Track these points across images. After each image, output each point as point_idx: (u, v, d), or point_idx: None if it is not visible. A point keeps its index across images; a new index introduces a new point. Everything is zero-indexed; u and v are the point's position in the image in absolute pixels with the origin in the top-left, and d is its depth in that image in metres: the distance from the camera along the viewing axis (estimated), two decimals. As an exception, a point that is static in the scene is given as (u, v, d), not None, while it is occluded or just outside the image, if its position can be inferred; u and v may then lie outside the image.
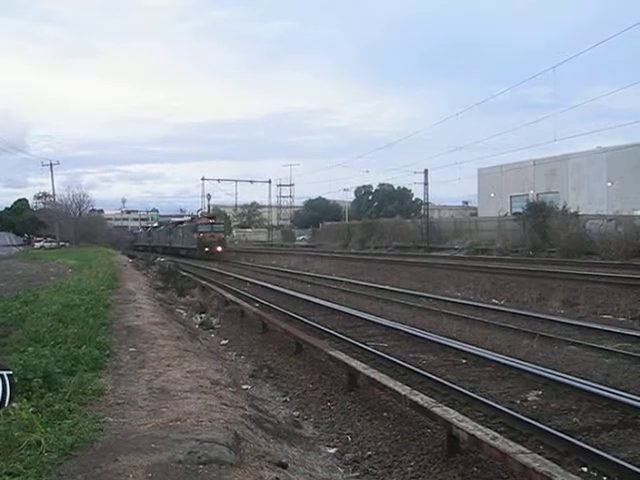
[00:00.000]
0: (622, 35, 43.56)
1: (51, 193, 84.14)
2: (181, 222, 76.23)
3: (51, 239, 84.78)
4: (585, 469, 6.34)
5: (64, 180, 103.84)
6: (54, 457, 4.73)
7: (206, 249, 57.07)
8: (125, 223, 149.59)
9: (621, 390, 8.84)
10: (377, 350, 12.33)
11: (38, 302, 13.55)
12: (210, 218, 65.06)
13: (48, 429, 5.20)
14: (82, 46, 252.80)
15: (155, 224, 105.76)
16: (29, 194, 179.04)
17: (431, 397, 7.95)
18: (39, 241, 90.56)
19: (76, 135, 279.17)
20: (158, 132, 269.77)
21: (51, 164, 76.01)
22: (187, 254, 60.83)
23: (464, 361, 11.45)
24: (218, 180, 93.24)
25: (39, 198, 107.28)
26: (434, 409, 7.05)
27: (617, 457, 6.45)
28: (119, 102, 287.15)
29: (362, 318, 16.70)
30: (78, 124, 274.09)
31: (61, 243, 79.48)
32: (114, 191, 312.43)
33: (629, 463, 6.29)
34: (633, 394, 8.58)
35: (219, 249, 57.92)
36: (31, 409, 5.53)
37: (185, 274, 34.68)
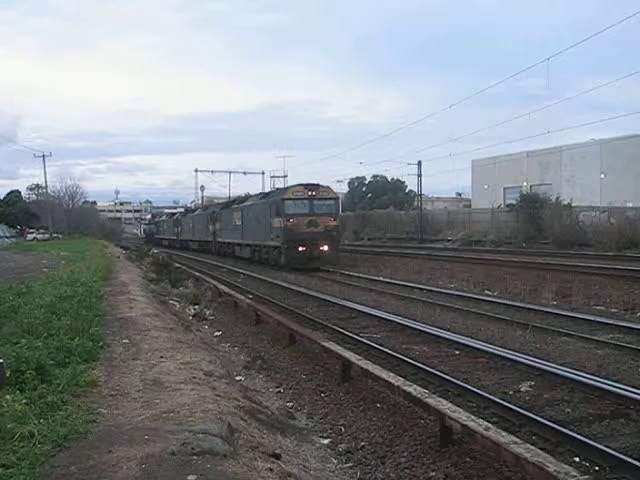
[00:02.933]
0: (616, 28, 43.61)
1: (43, 184, 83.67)
2: (237, 200, 48.90)
3: (44, 231, 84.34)
4: (577, 459, 6.38)
5: (56, 171, 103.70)
6: (47, 449, 4.73)
7: (300, 249, 31.06)
8: (118, 215, 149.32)
9: (613, 381, 8.89)
10: (370, 341, 12.37)
11: (31, 294, 13.51)
12: (308, 188, 32.89)
13: (41, 421, 5.20)
14: (75, 38, 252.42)
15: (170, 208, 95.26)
16: (21, 185, 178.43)
17: (424, 388, 7.98)
18: (32, 233, 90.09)
19: (67, 127, 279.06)
20: (150, 124, 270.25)
21: (43, 156, 75.39)
22: (257, 257, 36.43)
23: (457, 352, 11.48)
24: (212, 171, 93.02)
25: (32, 190, 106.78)
26: (427, 400, 7.07)
27: (609, 447, 6.49)
28: (110, 94, 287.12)
29: (356, 309, 16.74)
30: (69, 116, 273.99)
31: (54, 235, 79.07)
32: (106, 183, 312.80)
33: (621, 453, 6.33)
34: (625, 385, 8.64)
35: (325, 249, 31.58)
36: (24, 401, 5.53)
37: (178, 266, 34.64)
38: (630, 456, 6.27)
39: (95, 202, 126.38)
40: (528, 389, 8.96)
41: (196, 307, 19.52)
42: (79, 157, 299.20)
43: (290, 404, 9.21)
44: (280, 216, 31.79)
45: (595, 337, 12.17)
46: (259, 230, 35.29)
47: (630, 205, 41.07)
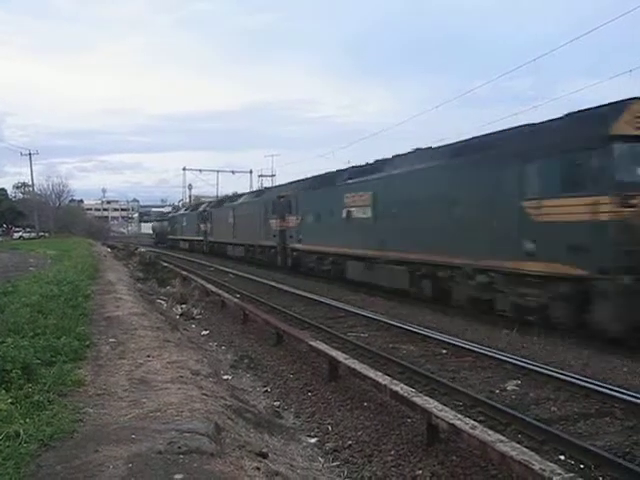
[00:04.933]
0: (604, 29, 43.89)
1: (29, 183, 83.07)
2: (348, 172, 23.76)
3: (30, 229, 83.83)
4: (562, 457, 6.42)
5: (41, 170, 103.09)
6: (33, 448, 4.71)
7: None
8: (105, 213, 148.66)
9: (598, 380, 8.95)
10: (358, 341, 12.40)
11: (17, 293, 13.41)
12: None
13: (27, 420, 5.17)
14: (62, 37, 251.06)
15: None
16: (6, 184, 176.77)
17: (411, 387, 8.00)
18: (18, 231, 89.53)
19: (53, 124, 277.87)
20: (136, 122, 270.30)
21: (30, 154, 74.80)
22: (428, 289, 17.16)
23: (444, 351, 11.53)
24: (200, 170, 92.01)
25: (18, 188, 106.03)
26: (414, 399, 7.08)
27: (594, 445, 6.55)
28: (97, 92, 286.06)
29: (343, 309, 16.76)
30: (55, 114, 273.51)
31: (40, 233, 78.54)
32: (92, 181, 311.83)
33: (605, 451, 6.39)
34: (610, 384, 8.71)
35: None
36: (10, 400, 5.50)
37: (166, 265, 34.54)
38: (614, 454, 6.34)
39: (82, 200, 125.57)
40: (514, 388, 9.01)
41: (183, 306, 19.46)
42: (65, 155, 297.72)
43: (277, 403, 9.21)
44: (593, 189, 11.69)
45: (581, 336, 12.22)
46: (471, 229, 15.15)
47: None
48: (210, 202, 54.50)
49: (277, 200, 30.69)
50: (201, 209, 51.95)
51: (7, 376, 6.16)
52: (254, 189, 60.23)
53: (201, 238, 49.85)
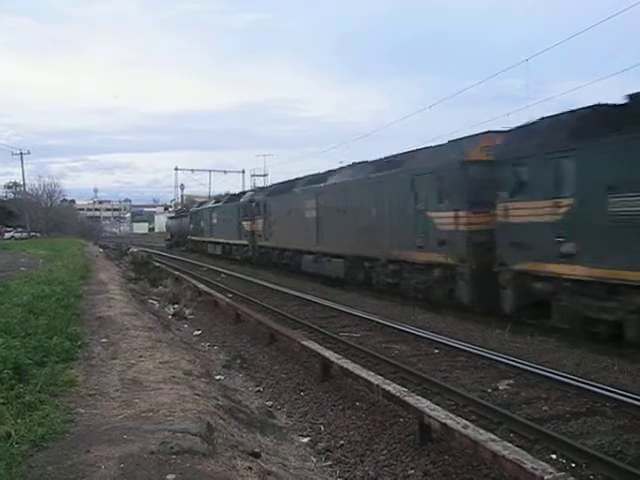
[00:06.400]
0: (595, 29, 44.04)
1: (21, 182, 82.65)
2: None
3: (22, 229, 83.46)
4: (554, 456, 6.44)
5: (32, 169, 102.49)
6: (25, 449, 4.69)
7: None
8: (97, 213, 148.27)
9: (590, 379, 8.98)
10: (350, 340, 12.41)
11: (8, 293, 13.35)
12: None
13: (18, 421, 5.15)
14: (51, 36, 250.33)
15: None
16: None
17: (403, 387, 8.01)
18: (9, 231, 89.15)
19: (44, 124, 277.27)
20: (127, 122, 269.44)
21: (21, 153, 74.42)
22: None
23: (437, 351, 11.54)
24: (192, 170, 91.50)
25: (9, 188, 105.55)
26: (406, 398, 7.09)
27: (585, 445, 6.57)
28: (88, 92, 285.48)
29: (336, 309, 16.76)
30: (47, 113, 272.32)
31: (32, 233, 78.17)
32: (83, 181, 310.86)
33: (596, 450, 6.42)
34: (601, 383, 8.74)
35: None
36: (1, 400, 5.48)
37: (158, 264, 34.46)
38: (605, 453, 6.37)
39: (73, 200, 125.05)
40: (506, 387, 9.04)
41: (175, 306, 19.42)
42: (57, 155, 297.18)
43: (270, 403, 9.21)
44: None
45: (572, 336, 12.27)
46: None
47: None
48: (260, 189, 39.82)
49: (461, 171, 14.98)
50: (246, 199, 36.40)
51: (-2, 376, 6.13)
52: (247, 189, 54.60)
53: (244, 242, 35.41)
